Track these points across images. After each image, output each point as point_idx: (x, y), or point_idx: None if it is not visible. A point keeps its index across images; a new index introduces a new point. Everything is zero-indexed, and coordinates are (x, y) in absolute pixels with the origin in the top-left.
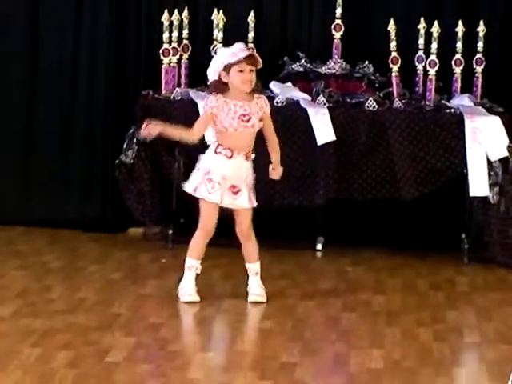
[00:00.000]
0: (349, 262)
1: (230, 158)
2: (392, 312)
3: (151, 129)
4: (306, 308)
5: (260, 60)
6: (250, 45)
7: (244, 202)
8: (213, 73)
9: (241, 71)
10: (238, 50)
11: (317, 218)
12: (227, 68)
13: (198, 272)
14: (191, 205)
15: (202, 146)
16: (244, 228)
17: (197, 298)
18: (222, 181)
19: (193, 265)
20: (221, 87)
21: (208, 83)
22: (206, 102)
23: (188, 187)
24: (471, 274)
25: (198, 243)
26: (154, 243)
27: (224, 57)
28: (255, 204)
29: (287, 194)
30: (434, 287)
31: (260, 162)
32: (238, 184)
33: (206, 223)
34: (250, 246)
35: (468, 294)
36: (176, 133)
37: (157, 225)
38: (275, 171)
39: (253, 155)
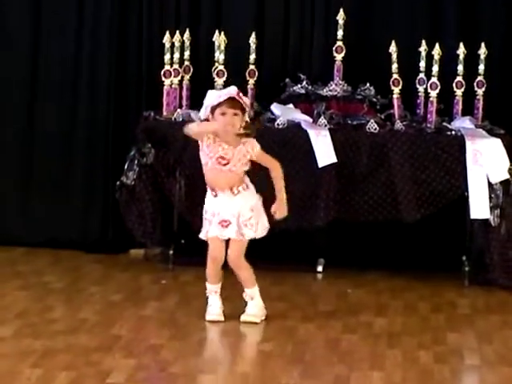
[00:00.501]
0: (349, 284)
1: (215, 196)
2: (393, 334)
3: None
4: (306, 330)
5: (245, 104)
6: (252, 67)
7: (231, 234)
8: (203, 113)
9: (223, 114)
10: (224, 93)
11: (317, 239)
12: (212, 110)
13: (218, 292)
14: (192, 226)
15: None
16: (233, 258)
17: (219, 318)
18: (211, 217)
19: (210, 289)
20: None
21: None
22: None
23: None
24: (472, 297)
25: (208, 270)
26: (154, 264)
27: (211, 98)
28: (253, 236)
29: (288, 216)
30: (435, 309)
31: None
32: (229, 218)
33: (211, 252)
34: (241, 273)
35: (469, 316)
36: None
37: (158, 246)
38: (279, 209)
39: (241, 187)
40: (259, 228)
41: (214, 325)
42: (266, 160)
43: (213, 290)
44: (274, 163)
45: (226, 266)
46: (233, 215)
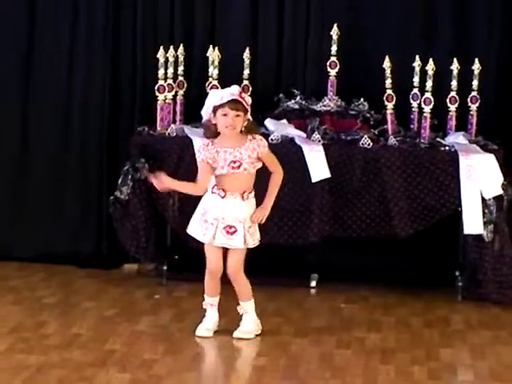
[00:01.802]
0: (343, 300)
1: (223, 197)
2: (386, 350)
3: (159, 184)
4: (299, 345)
5: (247, 105)
6: (246, 82)
7: (239, 243)
8: (205, 113)
9: (225, 115)
10: (227, 94)
11: (311, 255)
12: (214, 110)
13: (215, 305)
14: (186, 241)
15: None
16: (234, 269)
17: (207, 334)
18: (214, 221)
19: (207, 302)
20: (212, 128)
21: (202, 122)
22: (199, 153)
23: (189, 229)
24: (465, 312)
25: (206, 282)
26: (148, 279)
27: (214, 99)
28: (251, 244)
29: (281, 231)
30: (428, 325)
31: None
32: (235, 224)
33: (209, 264)
34: (237, 286)
35: (462, 331)
36: (183, 187)
37: (151, 261)
38: (260, 211)
39: (251, 194)
40: (255, 238)
41: (208, 340)
42: (271, 162)
43: (209, 303)
44: (278, 167)
45: (223, 279)
46: (239, 221)
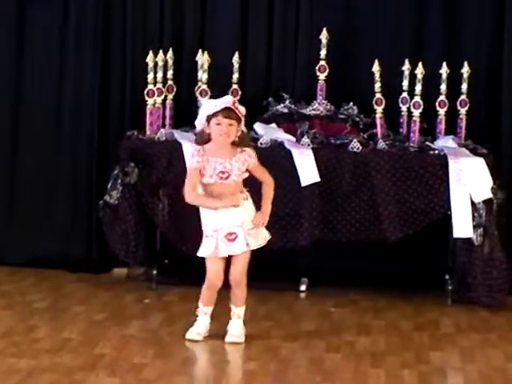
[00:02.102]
0: (333, 303)
1: (216, 209)
2: (376, 353)
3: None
4: (289, 349)
5: (240, 114)
6: (235, 87)
7: (241, 247)
8: (199, 123)
9: (218, 124)
10: (220, 103)
11: (301, 259)
12: (208, 120)
13: (208, 314)
14: (175, 246)
15: None
16: (238, 275)
17: (197, 337)
18: (214, 233)
19: (201, 310)
20: (205, 136)
21: (195, 132)
22: (192, 159)
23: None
24: (455, 316)
25: (203, 292)
26: (138, 284)
27: (207, 108)
28: (254, 246)
29: (271, 235)
30: (418, 328)
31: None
32: (234, 230)
33: (209, 277)
34: (238, 291)
35: (452, 335)
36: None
37: (141, 265)
38: (260, 216)
39: (242, 195)
40: (260, 238)
41: (198, 344)
42: (262, 173)
43: (203, 311)
44: (268, 177)
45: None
46: (237, 226)
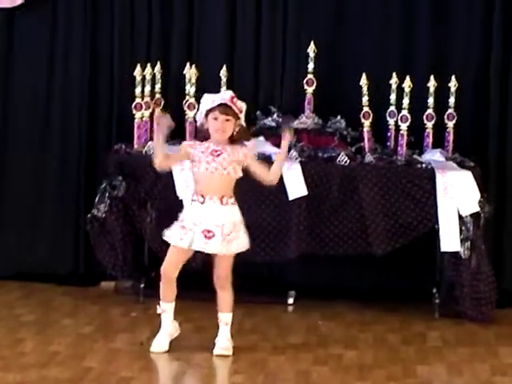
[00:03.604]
0: (320, 317)
1: (203, 203)
2: (363, 366)
3: (160, 127)
4: (277, 362)
5: (238, 111)
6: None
7: (215, 248)
8: (198, 117)
9: (215, 119)
10: (218, 98)
11: (288, 272)
12: (206, 114)
13: (170, 313)
14: (163, 259)
15: (175, 202)
16: (221, 276)
17: (161, 349)
18: (193, 226)
19: (164, 308)
20: (205, 132)
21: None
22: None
23: (165, 235)
24: (442, 329)
25: (162, 287)
26: (125, 297)
27: (206, 102)
28: (236, 250)
29: (259, 249)
30: (405, 342)
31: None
32: (213, 229)
33: (165, 267)
34: (224, 295)
35: (439, 348)
36: (159, 146)
37: (129, 279)
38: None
39: (231, 200)
40: (240, 243)
41: (185, 357)
42: (259, 165)
43: (163, 309)
44: (267, 170)
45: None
46: (217, 226)
